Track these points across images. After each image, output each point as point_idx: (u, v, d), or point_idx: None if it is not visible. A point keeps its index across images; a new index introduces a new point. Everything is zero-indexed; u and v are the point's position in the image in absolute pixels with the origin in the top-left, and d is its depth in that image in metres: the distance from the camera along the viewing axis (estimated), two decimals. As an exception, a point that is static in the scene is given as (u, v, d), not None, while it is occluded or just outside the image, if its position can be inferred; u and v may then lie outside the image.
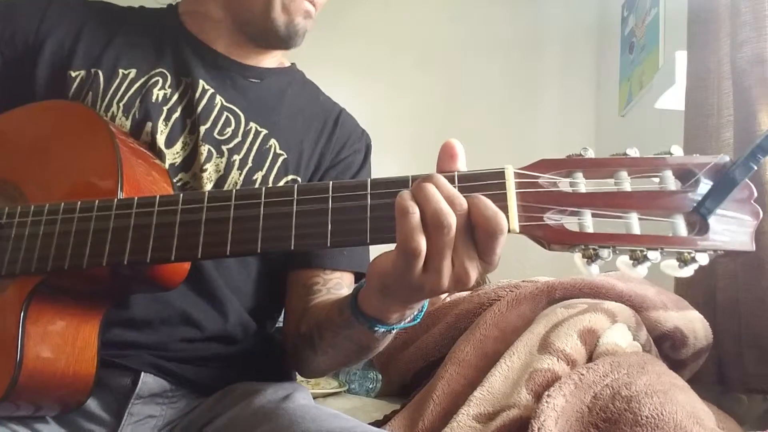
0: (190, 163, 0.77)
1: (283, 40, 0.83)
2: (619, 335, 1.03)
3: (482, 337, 1.12)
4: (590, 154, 0.51)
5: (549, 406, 0.83)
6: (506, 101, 2.63)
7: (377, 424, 1.12)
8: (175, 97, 0.80)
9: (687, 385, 0.91)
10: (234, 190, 0.55)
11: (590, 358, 1.00)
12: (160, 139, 0.76)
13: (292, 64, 0.96)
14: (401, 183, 0.52)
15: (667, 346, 1.14)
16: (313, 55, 0.97)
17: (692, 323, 1.15)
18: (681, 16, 1.57)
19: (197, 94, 0.80)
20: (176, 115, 0.79)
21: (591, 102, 2.64)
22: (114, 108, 0.76)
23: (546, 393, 0.86)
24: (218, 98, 0.81)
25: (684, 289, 1.30)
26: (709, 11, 1.39)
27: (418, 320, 0.62)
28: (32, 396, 0.61)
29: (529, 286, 1.22)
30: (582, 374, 0.89)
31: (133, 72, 0.80)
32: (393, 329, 0.61)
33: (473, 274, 0.50)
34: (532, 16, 2.70)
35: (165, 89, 0.80)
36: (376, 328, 0.60)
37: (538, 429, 0.80)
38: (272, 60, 0.90)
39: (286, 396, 0.73)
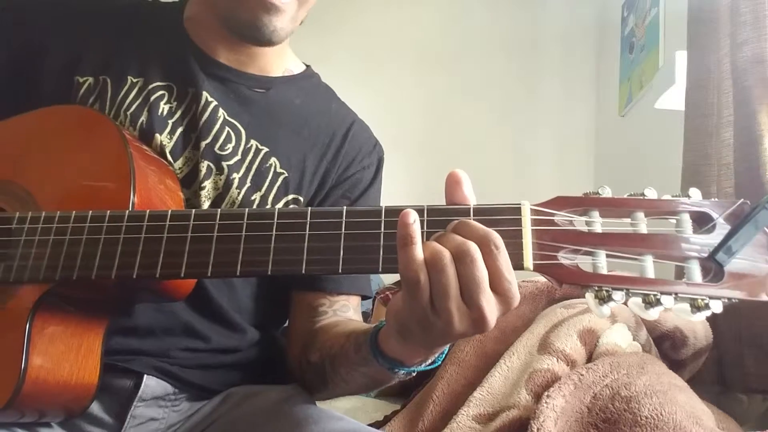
0: (192, 179, 0.76)
1: (254, 38, 0.78)
2: (619, 335, 1.03)
3: (482, 337, 1.12)
4: (607, 192, 0.51)
5: (548, 406, 0.83)
6: (506, 101, 2.63)
7: (377, 424, 1.12)
8: (180, 110, 0.78)
9: (687, 385, 0.92)
10: (247, 210, 0.55)
11: (590, 359, 1.00)
12: (166, 154, 0.75)
13: (307, 67, 0.92)
14: (416, 211, 0.51)
15: (667, 346, 1.14)
16: (311, 56, 0.95)
17: (692, 323, 1.15)
18: (681, 16, 1.57)
19: (200, 107, 0.78)
20: (180, 129, 0.77)
21: (591, 102, 2.64)
22: (122, 116, 0.75)
23: (545, 393, 0.86)
24: (221, 111, 0.79)
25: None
26: (709, 11, 1.39)
27: (438, 363, 0.60)
28: (35, 403, 0.60)
29: (529, 286, 1.22)
30: (581, 374, 0.89)
31: (141, 81, 0.78)
32: (414, 371, 0.60)
33: (490, 314, 0.48)
34: (532, 17, 2.70)
35: (171, 103, 0.78)
36: (396, 370, 0.59)
37: (538, 429, 0.80)
38: (278, 66, 0.87)
39: (287, 398, 0.73)
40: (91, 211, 0.58)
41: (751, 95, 1.21)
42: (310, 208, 0.54)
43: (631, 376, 0.87)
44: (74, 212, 0.59)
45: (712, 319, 1.21)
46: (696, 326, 1.15)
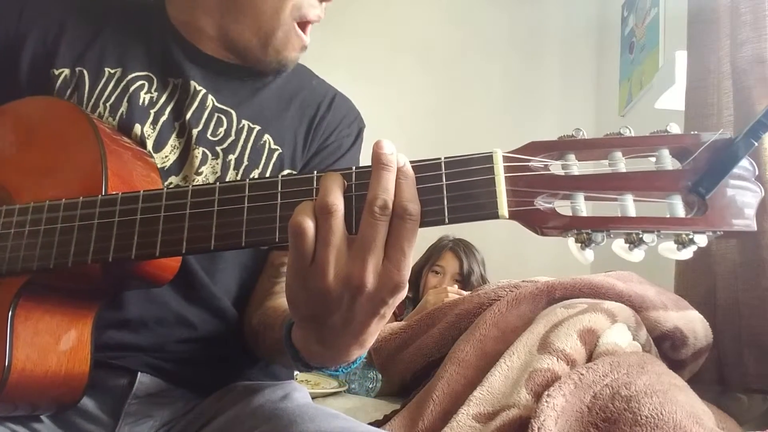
0: (181, 166, 0.76)
1: (274, 71, 0.84)
2: (619, 335, 1.03)
3: (482, 337, 1.12)
4: (583, 134, 0.49)
5: (549, 405, 0.83)
6: (506, 102, 2.63)
7: (377, 424, 1.12)
8: (163, 99, 0.78)
9: (687, 385, 0.91)
10: (218, 184, 0.54)
11: (590, 358, 1.00)
12: (149, 143, 0.75)
13: None
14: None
15: (667, 346, 1.14)
16: (311, 56, 0.95)
17: (692, 323, 1.15)
18: (681, 16, 1.57)
19: (189, 95, 0.78)
20: (164, 118, 0.77)
21: (591, 102, 2.65)
22: (101, 108, 0.75)
23: (546, 393, 0.86)
24: (210, 98, 0.80)
25: (684, 289, 1.30)
26: (709, 11, 1.39)
27: (341, 372, 0.59)
28: (25, 395, 0.60)
29: (529, 286, 1.22)
30: (582, 374, 0.89)
31: (119, 71, 0.78)
32: (312, 369, 0.60)
33: (369, 273, 0.46)
34: (532, 17, 2.70)
35: (152, 92, 0.78)
36: (296, 361, 0.59)
37: (538, 429, 0.80)
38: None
39: (284, 396, 0.73)
40: (64, 200, 0.58)
41: (751, 95, 1.21)
42: (280, 176, 0.53)
43: (631, 376, 0.87)
44: (47, 202, 0.59)
45: (712, 319, 1.21)
46: (696, 326, 1.15)
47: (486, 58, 2.66)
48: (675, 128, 0.48)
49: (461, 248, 2.13)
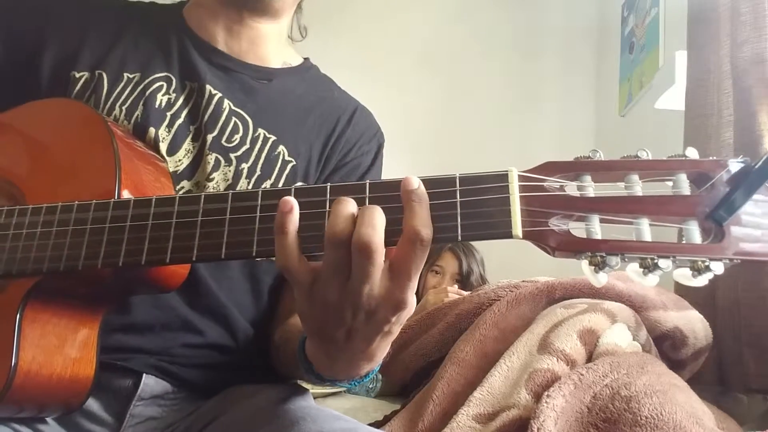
0: (193, 171, 0.76)
1: (261, 3, 0.80)
2: (619, 335, 1.03)
3: (482, 337, 1.12)
4: (599, 156, 0.49)
5: (548, 406, 0.83)
6: (506, 102, 2.63)
7: (377, 424, 1.12)
8: (180, 102, 0.78)
9: (687, 385, 0.92)
10: (231, 192, 0.54)
11: (590, 358, 1.00)
12: (163, 147, 0.75)
13: (305, 59, 0.94)
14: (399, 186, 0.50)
15: (667, 346, 1.14)
16: (311, 56, 0.95)
17: (692, 323, 1.15)
18: (681, 16, 1.57)
19: (204, 100, 0.78)
20: (180, 121, 0.77)
21: (591, 102, 2.64)
22: (116, 111, 0.75)
23: (546, 393, 0.86)
24: (226, 102, 0.80)
25: (684, 289, 1.30)
26: (709, 11, 1.39)
27: (352, 386, 0.61)
28: (30, 396, 0.60)
29: (529, 286, 1.22)
30: (581, 374, 0.89)
31: (137, 75, 0.78)
32: (326, 382, 0.61)
33: (366, 296, 0.46)
34: (532, 17, 2.70)
35: (169, 94, 0.78)
36: (310, 374, 0.59)
37: (538, 429, 0.80)
38: (277, 56, 0.88)
39: (286, 397, 0.73)
40: (76, 202, 0.58)
41: (751, 95, 1.21)
42: (294, 186, 0.52)
43: (631, 376, 0.87)
44: (60, 204, 0.59)
45: (712, 319, 1.21)
46: (696, 326, 1.15)
47: (486, 58, 2.66)
48: (693, 153, 0.48)
49: (460, 248, 2.13)
